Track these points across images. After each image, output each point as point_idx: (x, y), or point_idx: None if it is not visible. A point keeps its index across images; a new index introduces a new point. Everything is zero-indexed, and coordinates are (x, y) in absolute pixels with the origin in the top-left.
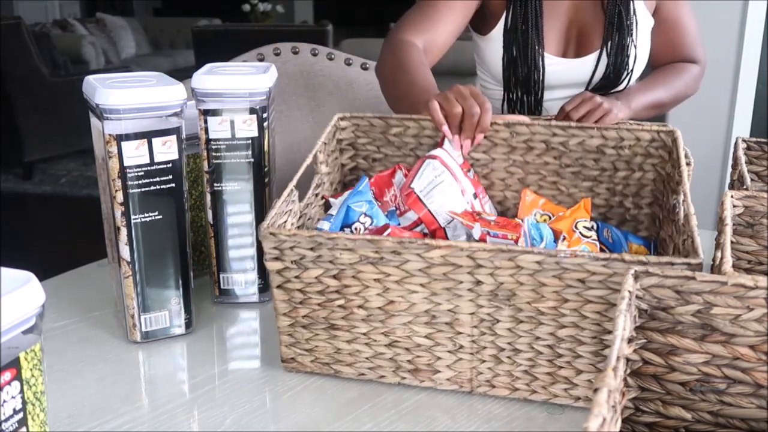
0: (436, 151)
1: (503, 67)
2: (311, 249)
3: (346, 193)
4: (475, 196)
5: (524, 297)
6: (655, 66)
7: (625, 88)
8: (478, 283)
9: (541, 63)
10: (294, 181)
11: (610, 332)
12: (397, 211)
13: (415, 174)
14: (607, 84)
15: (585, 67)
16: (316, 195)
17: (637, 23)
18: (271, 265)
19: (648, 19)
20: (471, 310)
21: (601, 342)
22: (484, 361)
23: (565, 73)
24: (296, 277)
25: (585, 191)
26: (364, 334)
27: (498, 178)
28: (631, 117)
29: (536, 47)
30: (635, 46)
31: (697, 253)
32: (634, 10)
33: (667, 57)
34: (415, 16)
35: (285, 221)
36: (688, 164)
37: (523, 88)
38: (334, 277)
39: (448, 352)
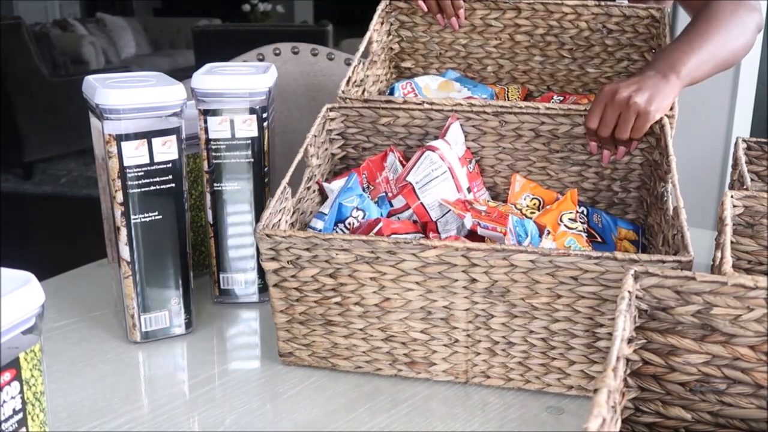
0: (437, 143)
1: None
2: (307, 249)
3: (336, 187)
4: (469, 190)
5: (518, 294)
6: (689, 11)
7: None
8: (473, 281)
9: None
10: (286, 179)
11: (602, 325)
12: (388, 195)
13: (412, 165)
14: None
15: None
16: (308, 188)
17: None
18: (268, 265)
19: None
20: (466, 306)
21: (593, 334)
22: (479, 354)
23: None
24: (293, 276)
25: (574, 175)
26: (361, 329)
27: (488, 165)
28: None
29: None
30: None
31: (688, 251)
32: None
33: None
34: None
35: (279, 220)
36: (671, 117)
37: None
38: (330, 276)
39: (444, 345)
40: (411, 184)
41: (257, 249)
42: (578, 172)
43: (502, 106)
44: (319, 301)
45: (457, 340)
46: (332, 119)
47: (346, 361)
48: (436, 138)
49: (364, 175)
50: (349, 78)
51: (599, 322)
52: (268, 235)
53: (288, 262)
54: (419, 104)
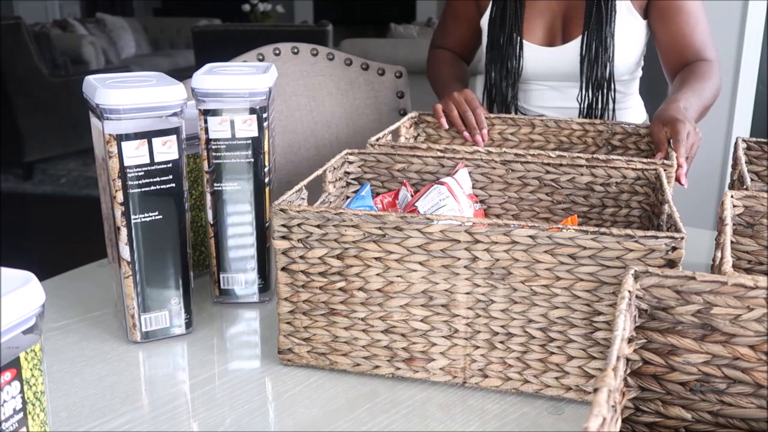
0: (446, 179)
1: (485, 55)
2: (318, 226)
3: (349, 200)
4: None
5: (518, 275)
6: (668, 64)
7: (611, 81)
8: (475, 259)
9: (518, 51)
10: (305, 182)
11: (600, 314)
12: None
13: (421, 195)
14: (591, 75)
15: (563, 56)
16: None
17: (615, 14)
18: (278, 244)
19: (633, 17)
20: (467, 289)
21: (591, 324)
22: (477, 347)
23: (544, 62)
24: (301, 257)
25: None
26: (362, 319)
27: (494, 214)
28: None
29: (515, 35)
30: (613, 37)
31: (679, 229)
32: (614, 3)
33: (679, 48)
34: (439, 26)
35: None
36: (669, 166)
37: (499, 76)
38: (337, 257)
39: (443, 337)
40: (419, 211)
41: (258, 249)
42: (579, 225)
43: (516, 154)
44: (324, 287)
45: (456, 331)
46: (351, 162)
47: (345, 357)
48: None
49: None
50: (379, 138)
51: (597, 309)
52: (282, 210)
53: (298, 240)
54: (433, 151)
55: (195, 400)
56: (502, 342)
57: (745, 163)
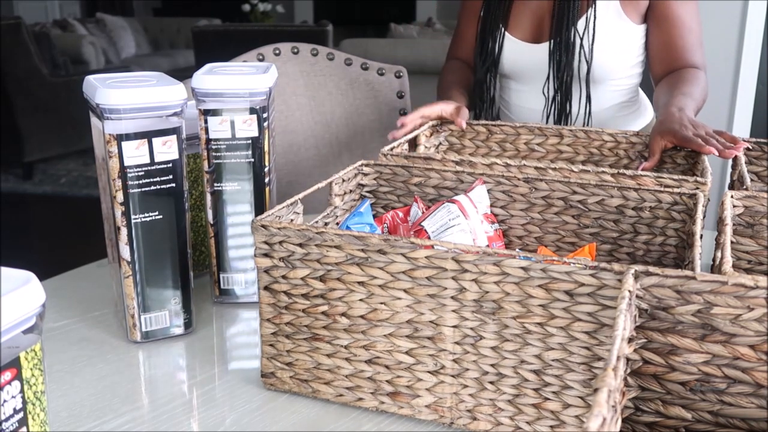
0: (459, 197)
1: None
2: (300, 245)
3: (347, 215)
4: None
5: (510, 311)
6: (655, 69)
7: (585, 84)
8: (462, 290)
9: (500, 43)
10: (300, 195)
11: (600, 359)
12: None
13: (429, 213)
14: (557, 76)
15: (537, 54)
16: (326, 223)
17: (595, 18)
18: (260, 262)
19: (621, 20)
20: (454, 322)
21: (590, 370)
22: (466, 386)
23: (522, 59)
24: (283, 277)
25: (604, 255)
26: (345, 347)
27: (515, 236)
28: None
29: (500, 27)
30: (581, 38)
31: (693, 268)
32: (578, 3)
33: (667, 57)
34: (453, 38)
35: None
36: (703, 183)
37: (483, 69)
38: (320, 279)
39: (429, 372)
40: (426, 231)
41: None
42: (609, 252)
43: (537, 168)
44: (307, 310)
45: (443, 367)
46: (365, 174)
47: (328, 386)
48: None
49: (385, 226)
50: (393, 147)
51: (597, 354)
52: (263, 226)
53: (280, 259)
54: (452, 164)
55: (195, 400)
56: (492, 382)
57: (745, 163)
